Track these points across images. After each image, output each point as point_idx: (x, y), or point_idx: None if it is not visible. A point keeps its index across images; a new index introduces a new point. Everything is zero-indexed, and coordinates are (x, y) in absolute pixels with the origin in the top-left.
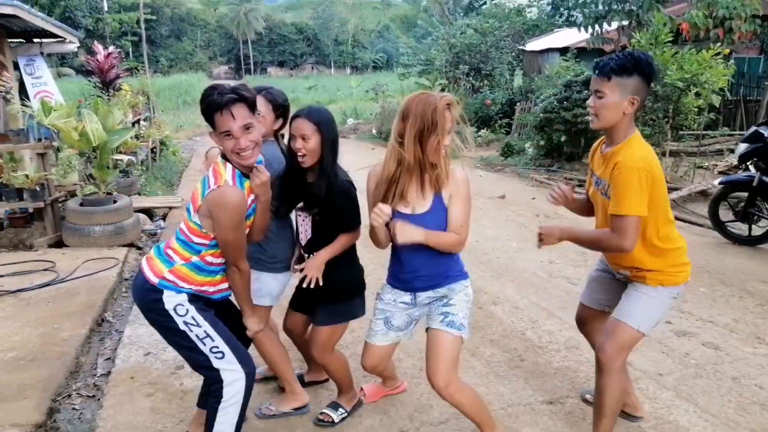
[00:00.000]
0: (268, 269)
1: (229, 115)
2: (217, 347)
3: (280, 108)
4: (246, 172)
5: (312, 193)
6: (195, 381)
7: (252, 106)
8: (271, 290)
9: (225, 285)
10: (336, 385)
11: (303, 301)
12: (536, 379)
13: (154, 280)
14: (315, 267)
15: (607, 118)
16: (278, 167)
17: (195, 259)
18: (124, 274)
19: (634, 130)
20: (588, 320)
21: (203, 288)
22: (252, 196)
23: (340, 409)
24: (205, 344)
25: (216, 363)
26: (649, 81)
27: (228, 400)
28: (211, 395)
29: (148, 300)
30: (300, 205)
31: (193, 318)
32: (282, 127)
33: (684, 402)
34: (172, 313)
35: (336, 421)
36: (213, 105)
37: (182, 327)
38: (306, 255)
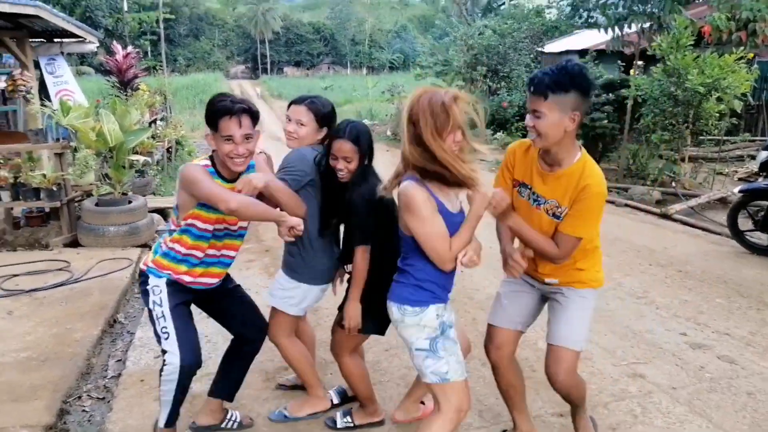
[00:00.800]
0: (307, 280)
1: (237, 122)
2: (165, 328)
3: (324, 117)
4: (228, 177)
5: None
6: (203, 385)
7: (256, 120)
8: (304, 301)
9: (204, 279)
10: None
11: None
12: (548, 390)
13: (143, 267)
14: (350, 316)
15: (550, 138)
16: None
17: (169, 242)
18: (137, 275)
19: (579, 146)
20: (504, 344)
21: (179, 276)
22: None
23: (347, 418)
24: (158, 323)
25: (162, 342)
26: (588, 94)
27: (165, 376)
28: None
29: (141, 284)
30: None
31: (160, 299)
32: (326, 137)
33: (698, 417)
34: (149, 292)
35: (338, 426)
36: (224, 109)
37: (150, 305)
38: (343, 267)
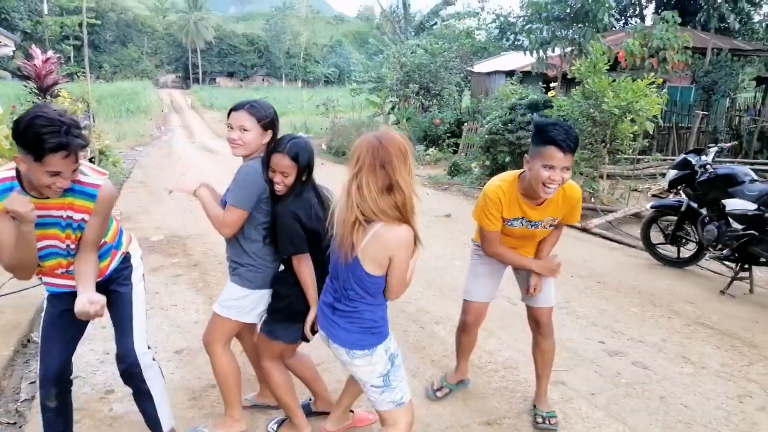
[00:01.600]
0: (259, 287)
1: (73, 159)
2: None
3: (267, 120)
4: (38, 196)
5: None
6: (126, 406)
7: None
8: (257, 307)
9: (58, 281)
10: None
11: None
12: (475, 399)
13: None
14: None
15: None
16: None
17: None
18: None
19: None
20: (480, 315)
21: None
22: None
23: (273, 425)
24: None
25: None
26: (542, 143)
27: None
28: None
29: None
30: None
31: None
32: (272, 140)
33: (614, 421)
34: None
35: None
36: (57, 146)
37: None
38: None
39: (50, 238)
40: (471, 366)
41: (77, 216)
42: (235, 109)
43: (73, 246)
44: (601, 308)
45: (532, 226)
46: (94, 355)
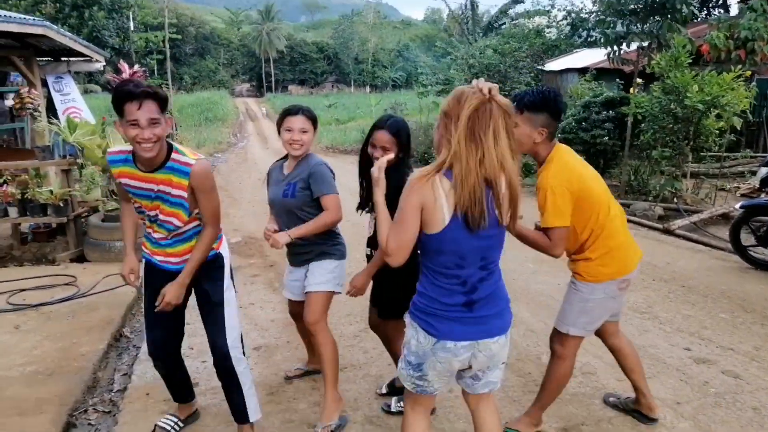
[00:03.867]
0: (340, 257)
1: (137, 105)
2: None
3: (316, 122)
4: (142, 166)
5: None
6: (208, 399)
7: (162, 106)
8: (342, 276)
9: (150, 248)
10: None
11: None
12: (552, 405)
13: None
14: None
15: (521, 145)
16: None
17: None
18: (143, 290)
19: (551, 150)
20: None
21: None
22: (124, 180)
23: (400, 404)
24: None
25: None
26: (557, 116)
27: None
28: None
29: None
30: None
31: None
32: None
33: None
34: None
35: (392, 410)
36: (126, 94)
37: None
38: (367, 250)
39: (150, 209)
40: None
41: (175, 192)
42: (291, 113)
43: (162, 217)
44: (687, 314)
45: None
46: None
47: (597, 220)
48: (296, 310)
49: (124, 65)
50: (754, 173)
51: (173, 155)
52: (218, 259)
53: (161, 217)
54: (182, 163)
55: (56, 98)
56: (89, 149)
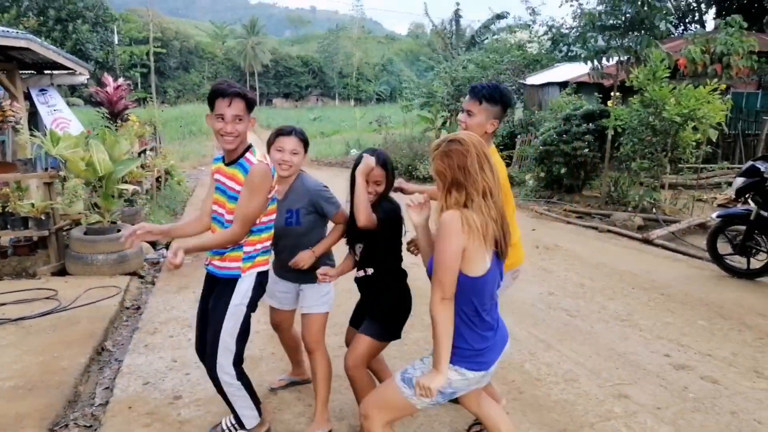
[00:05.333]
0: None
1: (227, 102)
2: None
3: (307, 145)
4: (226, 160)
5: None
6: (193, 411)
7: (250, 106)
8: (331, 295)
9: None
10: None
11: (357, 317)
12: (534, 412)
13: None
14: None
15: (474, 132)
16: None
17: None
18: (126, 303)
19: (490, 144)
20: None
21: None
22: (216, 175)
23: None
24: None
25: None
26: (506, 111)
27: None
28: None
29: None
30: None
31: None
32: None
33: None
34: None
35: None
36: (219, 91)
37: None
38: (359, 273)
39: (216, 204)
40: (530, 377)
41: (237, 187)
42: (284, 134)
43: (219, 210)
44: (666, 321)
45: None
46: (163, 363)
47: (511, 211)
48: (279, 319)
49: (108, 78)
50: (730, 184)
51: (247, 154)
52: (234, 281)
53: (218, 210)
54: (248, 161)
55: (43, 110)
56: (72, 162)
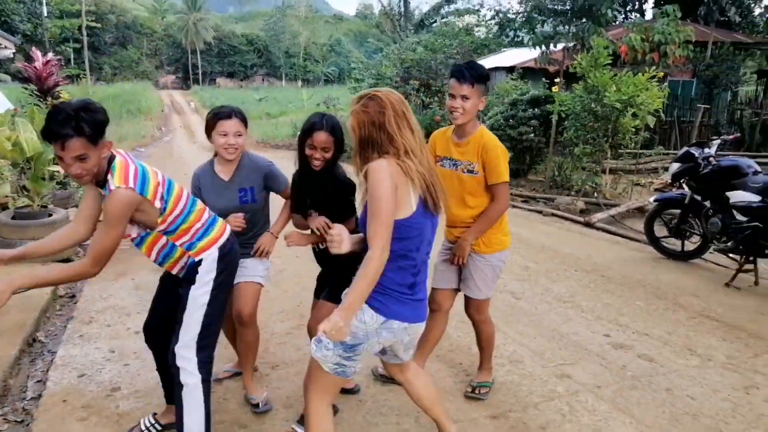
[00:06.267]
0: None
1: (60, 146)
2: None
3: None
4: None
5: (320, 191)
6: (132, 403)
7: (93, 138)
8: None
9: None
10: None
11: (320, 288)
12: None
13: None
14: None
15: (470, 115)
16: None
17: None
18: (59, 291)
19: (478, 122)
20: (444, 300)
21: None
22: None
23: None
24: None
25: None
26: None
27: None
28: None
29: None
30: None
31: None
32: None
33: (621, 414)
34: None
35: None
36: (47, 134)
37: None
38: (317, 247)
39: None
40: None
41: None
42: (224, 117)
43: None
44: (606, 302)
45: (453, 166)
46: (99, 353)
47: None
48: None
49: (36, 53)
50: (666, 169)
51: (108, 176)
52: (197, 264)
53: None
54: (108, 188)
55: None
56: None
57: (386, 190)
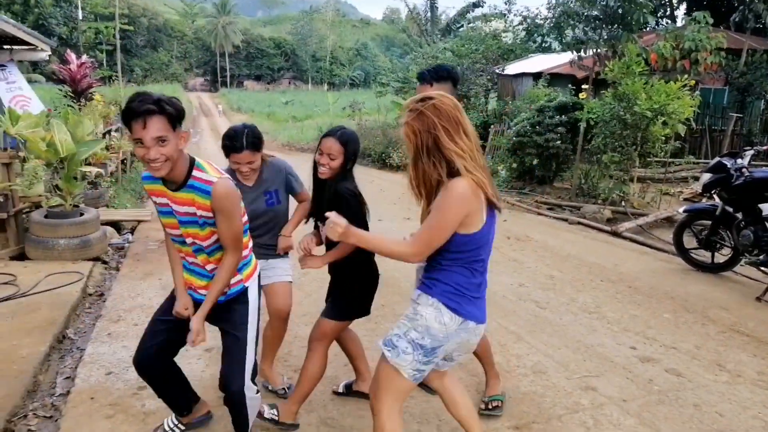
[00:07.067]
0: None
1: (141, 124)
2: None
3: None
4: (168, 180)
5: (323, 200)
6: (157, 402)
7: (173, 121)
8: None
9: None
10: (297, 383)
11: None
12: (504, 404)
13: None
14: (315, 262)
15: None
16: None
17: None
18: (89, 289)
19: None
20: None
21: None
22: (153, 198)
23: (274, 410)
24: None
25: None
26: (456, 85)
27: None
28: None
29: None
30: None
31: None
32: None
33: (647, 429)
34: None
35: (264, 416)
36: (129, 112)
37: None
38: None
39: (171, 227)
40: (500, 369)
41: (200, 212)
42: (236, 151)
43: (198, 242)
44: (633, 313)
45: None
46: (126, 352)
47: None
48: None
49: (71, 55)
50: (696, 179)
51: (195, 172)
52: (244, 293)
53: (197, 242)
54: (202, 181)
55: (1, 87)
56: (32, 142)
57: (454, 216)
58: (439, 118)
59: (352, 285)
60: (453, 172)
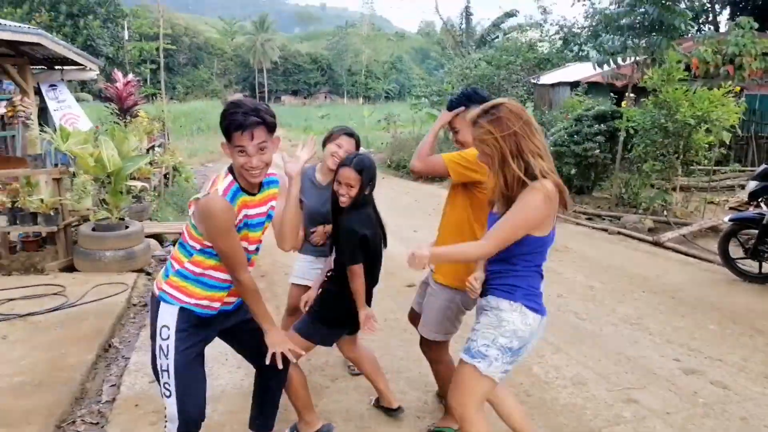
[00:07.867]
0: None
1: (249, 135)
2: (168, 384)
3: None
4: (249, 190)
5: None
6: (219, 415)
7: (271, 129)
8: None
9: (231, 299)
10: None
11: None
12: (542, 415)
13: (156, 291)
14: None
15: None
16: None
17: (187, 263)
18: (133, 300)
19: None
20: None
21: (200, 302)
22: (244, 211)
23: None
24: (162, 376)
25: (164, 397)
26: None
27: None
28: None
29: (153, 311)
30: None
31: (167, 346)
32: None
33: None
34: (157, 330)
35: None
36: (234, 124)
37: (156, 350)
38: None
39: (254, 242)
40: (538, 380)
41: (271, 203)
42: (347, 133)
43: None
44: (676, 325)
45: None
46: None
47: None
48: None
49: (117, 74)
50: (742, 187)
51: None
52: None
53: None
54: (272, 175)
55: (52, 105)
56: (81, 158)
57: (537, 216)
58: (517, 121)
59: (326, 305)
60: (529, 174)
